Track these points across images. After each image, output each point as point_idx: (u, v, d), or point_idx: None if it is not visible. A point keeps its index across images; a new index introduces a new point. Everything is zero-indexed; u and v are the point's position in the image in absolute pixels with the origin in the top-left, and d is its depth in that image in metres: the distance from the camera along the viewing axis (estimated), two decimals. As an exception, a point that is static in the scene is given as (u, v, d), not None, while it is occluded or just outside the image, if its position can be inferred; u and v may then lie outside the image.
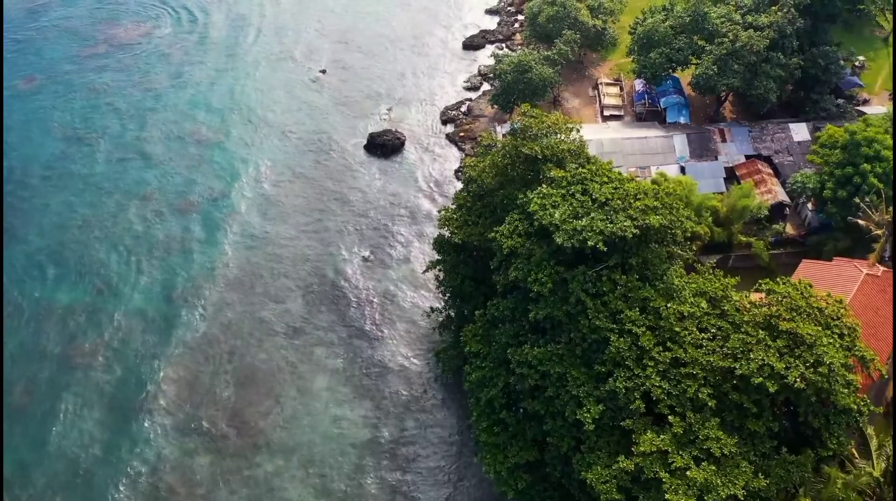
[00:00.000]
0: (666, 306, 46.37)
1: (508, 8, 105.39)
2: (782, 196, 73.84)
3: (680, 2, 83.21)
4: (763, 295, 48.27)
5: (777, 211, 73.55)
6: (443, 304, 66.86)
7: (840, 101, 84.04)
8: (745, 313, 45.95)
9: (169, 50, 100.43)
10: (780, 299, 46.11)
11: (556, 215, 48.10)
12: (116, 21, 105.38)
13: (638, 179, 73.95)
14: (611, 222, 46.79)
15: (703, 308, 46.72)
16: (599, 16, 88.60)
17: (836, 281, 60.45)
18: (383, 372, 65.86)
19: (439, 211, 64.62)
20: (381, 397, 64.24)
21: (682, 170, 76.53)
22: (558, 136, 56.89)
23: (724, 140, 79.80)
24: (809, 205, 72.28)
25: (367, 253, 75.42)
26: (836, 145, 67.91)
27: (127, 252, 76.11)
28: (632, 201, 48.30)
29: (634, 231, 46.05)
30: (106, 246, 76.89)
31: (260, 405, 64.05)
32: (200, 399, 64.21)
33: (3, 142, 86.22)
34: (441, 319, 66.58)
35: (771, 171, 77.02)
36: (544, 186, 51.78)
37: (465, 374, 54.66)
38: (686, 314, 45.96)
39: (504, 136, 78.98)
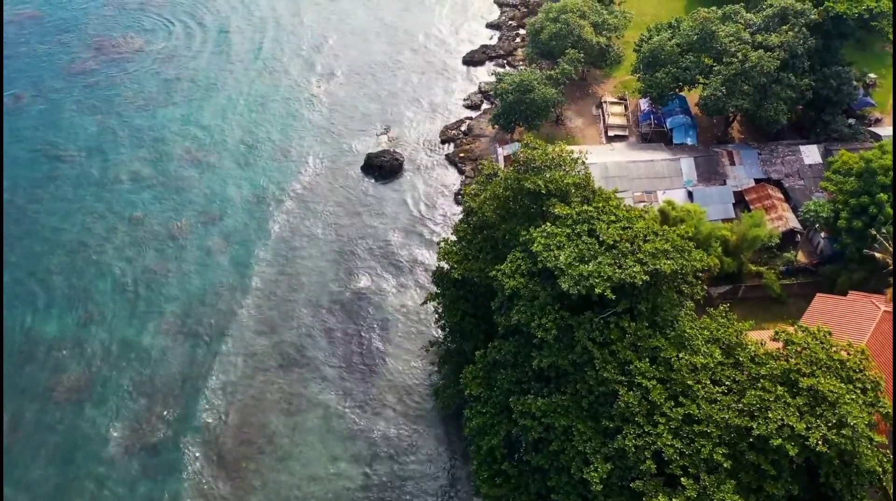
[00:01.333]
0: (678, 356, 43.86)
1: (510, 22, 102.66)
2: (794, 223, 71.34)
3: (687, 19, 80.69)
4: (781, 344, 45.61)
5: (788, 238, 71.08)
6: (442, 337, 64.43)
7: (852, 121, 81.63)
8: (761, 366, 43.36)
9: (163, 65, 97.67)
10: (798, 350, 43.54)
11: (562, 258, 45.59)
12: (109, 35, 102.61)
13: (644, 204, 72.35)
14: (619, 268, 44.28)
15: (716, 358, 44.18)
16: (603, 32, 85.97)
17: (852, 318, 58.00)
18: (379, 409, 63.34)
19: (438, 243, 62.10)
20: (376, 436, 61.70)
21: (690, 195, 74.11)
22: (563, 168, 54.35)
23: (732, 163, 77.30)
24: (822, 233, 69.78)
25: (362, 281, 72.87)
26: (850, 173, 65.40)
27: (116, 279, 73.56)
28: (641, 244, 45.79)
29: (644, 278, 43.52)
30: (95, 272, 74.32)
31: (253, 444, 61.62)
32: (192, 437, 61.76)
33: (2, 160, 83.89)
34: (440, 353, 64.14)
35: (781, 196, 74.55)
36: (548, 224, 49.29)
37: (465, 419, 52.19)
38: (699, 365, 43.41)
39: (506, 164, 77.06)
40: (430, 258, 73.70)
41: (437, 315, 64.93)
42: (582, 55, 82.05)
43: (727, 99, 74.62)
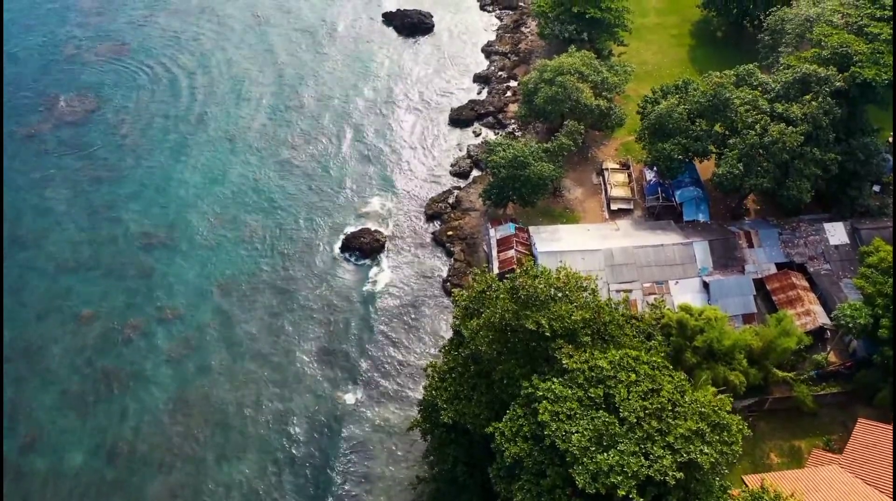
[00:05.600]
0: (719, 567, 36.03)
1: (499, 73, 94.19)
2: (823, 318, 63.63)
3: (698, 82, 72.79)
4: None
5: (816, 335, 63.49)
6: (430, 475, 56.27)
7: (877, 188, 74.13)
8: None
9: (118, 129, 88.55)
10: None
11: (574, 439, 37.67)
12: (60, 92, 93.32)
13: (654, 297, 64.76)
14: (645, 457, 36.34)
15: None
16: (604, 93, 77.92)
17: (901, 453, 50.50)
18: (361, 557, 55.37)
19: (425, 368, 53.94)
20: None
21: (706, 286, 66.30)
22: (568, 297, 46.41)
23: (750, 245, 69.53)
24: (856, 333, 62.10)
25: (337, 393, 64.61)
26: (889, 270, 57.83)
27: (63, 393, 64.98)
28: (671, 421, 37.82)
29: (678, 475, 35.56)
30: (38, 384, 65.72)
31: None
32: None
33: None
34: (429, 491, 56.01)
35: (806, 284, 66.80)
36: (555, 381, 41.36)
37: None
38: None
39: (498, 249, 69.12)
40: (416, 363, 65.63)
41: (424, 439, 57.02)
42: (582, 126, 73.94)
43: (745, 177, 66.98)
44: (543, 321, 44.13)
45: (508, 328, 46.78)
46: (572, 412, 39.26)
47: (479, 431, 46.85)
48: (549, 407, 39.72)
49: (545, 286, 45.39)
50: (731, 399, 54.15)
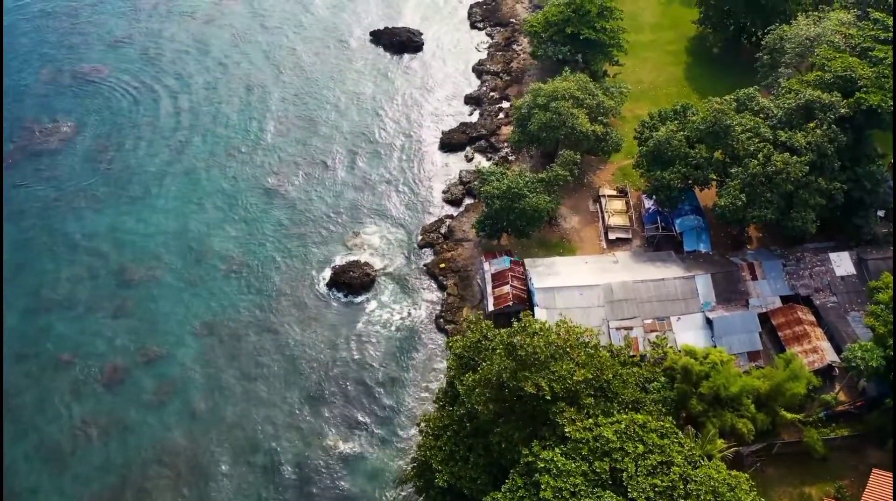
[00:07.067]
0: None
1: (491, 94, 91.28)
2: (831, 355, 61.35)
3: (698, 109, 70.43)
4: None
5: (825, 372, 61.16)
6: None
7: (881, 213, 71.88)
8: None
9: (96, 157, 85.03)
10: None
11: (580, 522, 35.08)
12: (29, 119, 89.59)
13: (656, 334, 62.44)
14: (657, 542, 33.83)
15: None
16: (599, 117, 75.36)
17: (919, 509, 48.22)
18: None
19: (418, 423, 51.36)
20: None
21: (709, 322, 63.88)
22: (569, 355, 43.83)
23: (754, 277, 67.12)
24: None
25: (328, 439, 61.91)
26: (901, 310, 55.49)
27: (39, 443, 62.01)
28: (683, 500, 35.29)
29: (692, 565, 33.10)
30: (15, 433, 62.61)
31: None
32: None
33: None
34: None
35: (813, 319, 64.45)
36: (558, 452, 38.76)
37: None
38: None
39: (493, 284, 66.65)
40: (409, 406, 63.10)
41: (417, 495, 54.24)
42: (578, 156, 71.43)
43: (747, 208, 64.60)
44: (544, 383, 41.57)
45: (506, 388, 44.20)
46: (577, 489, 36.70)
47: (476, 497, 44.26)
48: (552, 483, 37.15)
49: (545, 345, 42.73)
50: (739, 449, 52.97)
